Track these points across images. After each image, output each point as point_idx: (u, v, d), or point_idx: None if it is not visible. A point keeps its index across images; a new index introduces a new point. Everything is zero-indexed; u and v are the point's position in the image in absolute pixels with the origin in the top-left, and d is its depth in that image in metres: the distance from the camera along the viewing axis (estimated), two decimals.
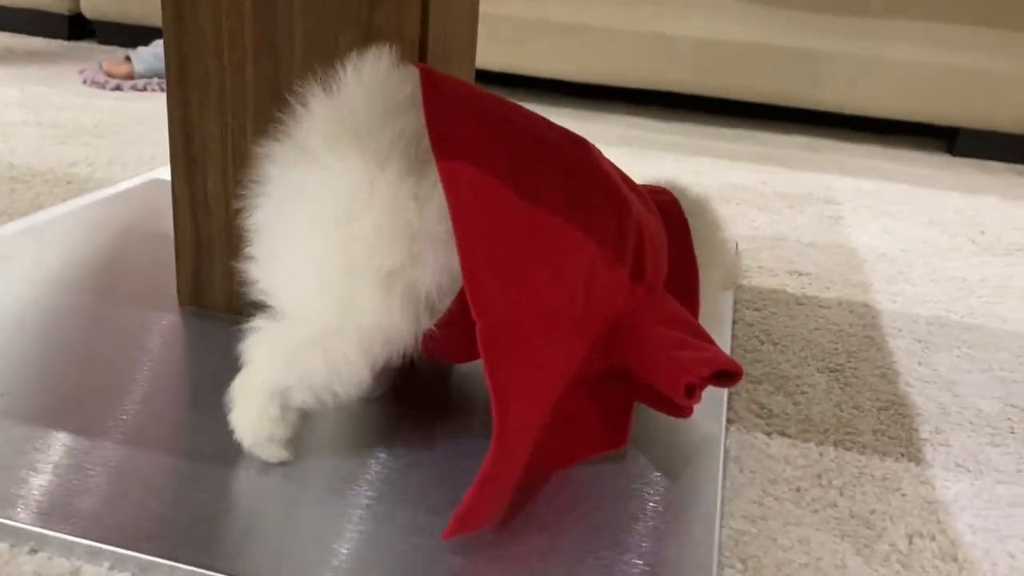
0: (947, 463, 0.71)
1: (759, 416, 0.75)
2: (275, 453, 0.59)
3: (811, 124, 2.19)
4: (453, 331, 0.57)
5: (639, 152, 1.72)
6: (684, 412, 0.66)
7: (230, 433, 0.62)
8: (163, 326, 0.77)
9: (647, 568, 0.53)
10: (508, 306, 0.53)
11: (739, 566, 0.56)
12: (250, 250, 0.59)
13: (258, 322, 0.58)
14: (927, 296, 1.10)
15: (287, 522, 0.54)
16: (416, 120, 0.55)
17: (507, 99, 0.60)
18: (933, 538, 0.61)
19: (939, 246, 1.31)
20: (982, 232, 1.41)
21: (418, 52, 0.68)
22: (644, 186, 0.71)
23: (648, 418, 0.67)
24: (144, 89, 1.95)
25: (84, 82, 1.94)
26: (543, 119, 0.61)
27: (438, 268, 0.55)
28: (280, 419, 0.58)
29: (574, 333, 0.57)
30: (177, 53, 0.73)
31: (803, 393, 0.80)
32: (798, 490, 0.65)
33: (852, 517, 0.63)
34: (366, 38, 0.69)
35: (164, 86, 2.07)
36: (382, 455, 0.61)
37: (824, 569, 0.57)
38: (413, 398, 0.70)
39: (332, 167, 0.55)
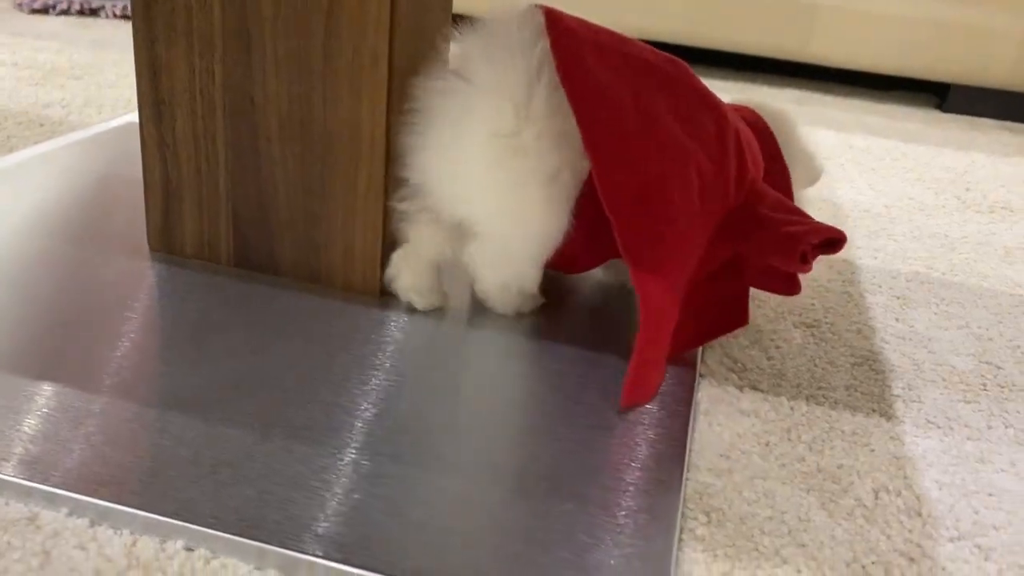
0: (918, 419, 0.71)
1: (732, 370, 0.75)
2: (435, 302, 0.74)
3: (802, 77, 2.16)
4: (579, 227, 0.66)
5: None
6: (794, 289, 0.76)
7: (197, 380, 0.61)
8: (131, 271, 0.76)
9: (610, 519, 0.53)
10: (641, 216, 0.62)
11: (702, 518, 0.56)
12: (417, 176, 0.68)
13: (407, 204, 0.70)
14: (908, 252, 1.09)
15: (255, 472, 0.53)
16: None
17: (610, 29, 0.68)
18: (899, 493, 0.62)
19: (924, 203, 1.31)
20: (967, 189, 1.40)
21: None
22: (729, 105, 0.79)
23: (616, 370, 0.67)
24: (97, 11, 1.88)
25: (20, 7, 1.87)
26: (642, 44, 0.70)
27: (578, 170, 0.64)
28: (437, 287, 0.74)
29: (697, 226, 0.66)
30: None
31: (778, 348, 0.80)
32: (766, 444, 0.65)
33: (819, 471, 0.63)
34: None
35: (119, 11, 2.00)
36: (351, 406, 0.61)
37: (788, 523, 0.57)
38: (388, 352, 0.69)
39: (492, 86, 0.63)
